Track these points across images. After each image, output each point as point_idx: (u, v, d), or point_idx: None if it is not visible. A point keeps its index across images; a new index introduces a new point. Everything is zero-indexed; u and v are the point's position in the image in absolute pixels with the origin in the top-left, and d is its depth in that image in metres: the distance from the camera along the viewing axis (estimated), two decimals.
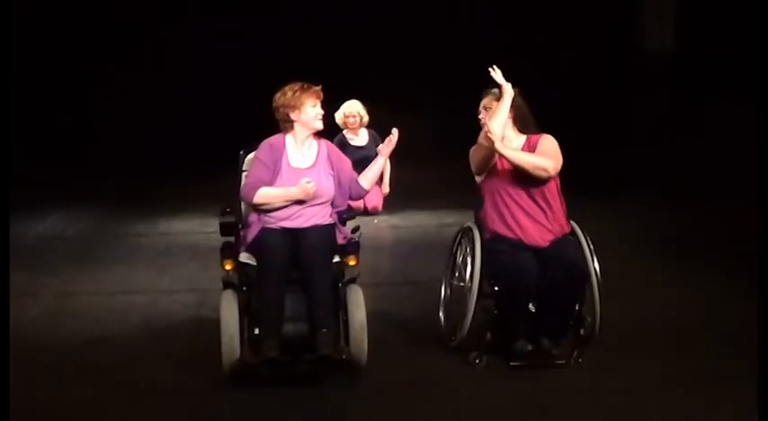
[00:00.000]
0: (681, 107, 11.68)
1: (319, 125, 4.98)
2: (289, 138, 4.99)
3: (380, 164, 5.09)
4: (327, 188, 4.95)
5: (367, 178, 5.07)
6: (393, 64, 13.36)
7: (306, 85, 4.95)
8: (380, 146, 5.10)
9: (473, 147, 5.11)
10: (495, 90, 5.04)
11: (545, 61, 12.38)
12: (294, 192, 4.85)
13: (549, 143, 5.06)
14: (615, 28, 13.29)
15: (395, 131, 5.01)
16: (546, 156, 4.97)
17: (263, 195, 4.86)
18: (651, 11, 13.12)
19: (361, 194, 5.12)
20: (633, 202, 9.23)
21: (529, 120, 5.12)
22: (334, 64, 12.77)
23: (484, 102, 5.13)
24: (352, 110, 8.77)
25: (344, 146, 8.61)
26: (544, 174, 4.95)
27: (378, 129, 8.96)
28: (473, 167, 5.12)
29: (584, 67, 13.01)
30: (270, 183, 4.89)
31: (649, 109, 12.08)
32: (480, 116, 5.10)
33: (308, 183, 4.83)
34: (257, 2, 13.67)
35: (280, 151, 4.95)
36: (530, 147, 5.05)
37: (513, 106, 5.02)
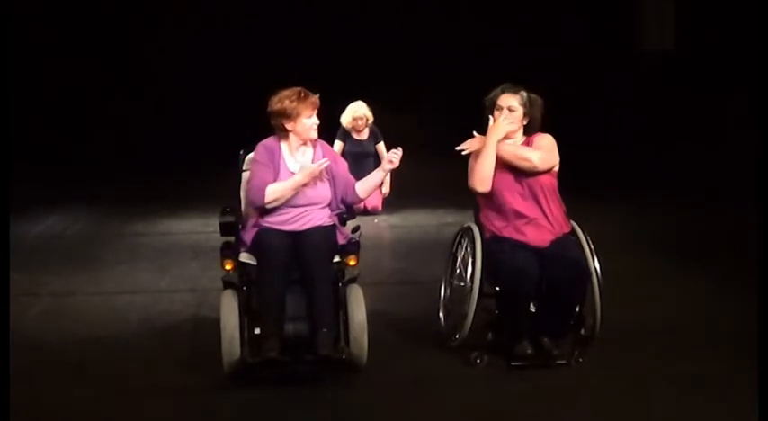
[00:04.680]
0: (680, 107, 11.68)
1: (314, 135, 4.94)
2: (283, 143, 4.96)
3: (380, 177, 5.01)
4: (324, 193, 4.93)
5: (364, 187, 5.02)
6: (392, 63, 13.37)
7: (303, 94, 4.87)
8: (384, 161, 4.97)
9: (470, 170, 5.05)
10: (510, 85, 5.05)
11: (544, 61, 12.39)
12: (300, 178, 4.82)
13: (544, 140, 5.06)
14: (615, 28, 13.29)
15: (399, 150, 4.91)
16: (538, 151, 4.98)
17: (273, 191, 4.81)
18: (651, 11, 13.13)
19: (355, 201, 5.06)
20: (633, 202, 9.23)
21: (536, 127, 5.12)
22: (334, 64, 12.79)
23: (503, 101, 5.04)
24: (360, 113, 8.75)
25: (345, 138, 8.68)
26: (528, 165, 4.93)
27: (377, 126, 8.96)
28: (477, 183, 5.01)
29: (584, 67, 13.02)
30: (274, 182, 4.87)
31: (649, 109, 12.08)
32: (504, 118, 5.02)
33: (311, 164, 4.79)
34: (259, 3, 13.68)
35: (276, 153, 4.93)
36: (528, 146, 5.06)
37: (531, 117, 5.05)
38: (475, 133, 5.09)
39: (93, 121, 13.16)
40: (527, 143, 5.07)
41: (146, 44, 13.41)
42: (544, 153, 4.97)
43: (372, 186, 5.04)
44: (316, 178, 4.90)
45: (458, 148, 5.03)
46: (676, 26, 12.67)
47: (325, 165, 4.84)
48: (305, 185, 4.85)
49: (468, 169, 5.05)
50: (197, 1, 13.87)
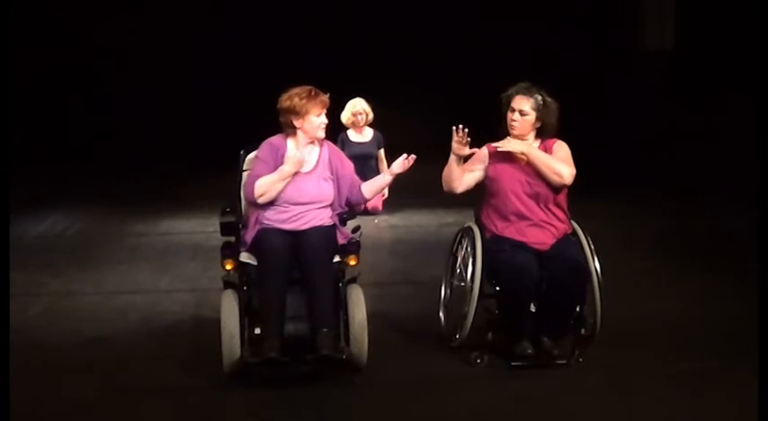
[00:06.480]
0: (680, 107, 11.68)
1: (322, 134, 4.95)
2: (290, 141, 4.97)
3: (387, 180, 5.04)
4: (326, 192, 4.93)
5: (370, 188, 5.04)
6: (393, 64, 13.37)
7: (314, 92, 4.88)
8: (393, 164, 4.97)
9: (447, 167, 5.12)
10: (525, 87, 5.03)
11: (544, 62, 12.38)
12: (287, 169, 4.83)
13: (564, 151, 5.04)
14: (615, 28, 13.30)
15: (413, 157, 4.93)
16: (569, 167, 4.98)
17: (261, 185, 4.82)
18: (651, 11, 13.13)
19: (360, 201, 5.06)
20: (633, 202, 9.23)
21: (551, 131, 5.09)
22: (335, 64, 12.79)
23: (516, 103, 5.02)
24: (358, 108, 8.79)
25: (345, 143, 8.68)
26: (558, 180, 4.93)
27: (379, 128, 8.96)
28: (444, 183, 5.15)
29: (584, 68, 13.02)
30: None
31: (649, 109, 12.09)
32: (514, 120, 5.01)
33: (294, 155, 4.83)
34: (259, 3, 13.68)
35: (281, 152, 4.93)
36: (544, 151, 5.04)
37: (544, 122, 5.03)
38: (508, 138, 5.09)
39: (94, 121, 13.16)
40: (543, 148, 5.04)
41: (147, 44, 13.41)
42: (570, 167, 4.96)
43: (379, 187, 5.10)
44: (319, 177, 4.90)
45: (494, 145, 5.02)
46: (676, 26, 12.67)
47: (301, 156, 4.85)
48: (297, 173, 4.84)
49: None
50: (197, 1, 13.86)
